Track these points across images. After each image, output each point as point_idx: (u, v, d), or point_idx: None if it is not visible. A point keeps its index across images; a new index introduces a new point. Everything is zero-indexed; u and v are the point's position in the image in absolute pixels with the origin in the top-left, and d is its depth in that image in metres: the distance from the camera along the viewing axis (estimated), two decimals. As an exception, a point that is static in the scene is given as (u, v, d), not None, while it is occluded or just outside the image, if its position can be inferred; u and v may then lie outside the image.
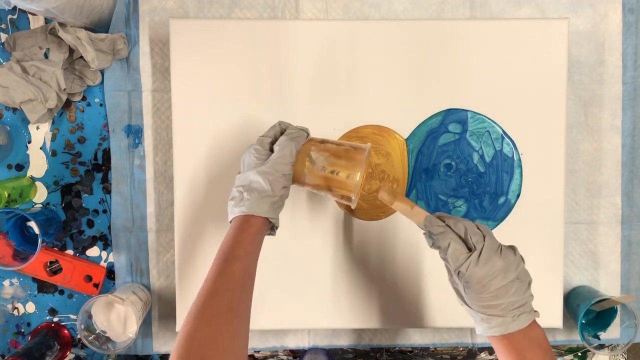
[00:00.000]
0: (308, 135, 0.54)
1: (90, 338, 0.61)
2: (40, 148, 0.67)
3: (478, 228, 0.46)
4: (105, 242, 0.68)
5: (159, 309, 0.68)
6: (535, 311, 0.45)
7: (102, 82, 0.66)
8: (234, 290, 0.44)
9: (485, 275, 0.43)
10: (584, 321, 0.68)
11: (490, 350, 0.71)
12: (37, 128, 0.67)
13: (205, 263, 0.63)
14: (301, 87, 0.63)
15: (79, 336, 0.67)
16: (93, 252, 0.68)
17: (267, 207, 0.49)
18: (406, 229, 0.64)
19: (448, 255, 0.45)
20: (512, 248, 0.46)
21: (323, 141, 0.53)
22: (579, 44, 0.67)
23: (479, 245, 0.45)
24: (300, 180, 0.53)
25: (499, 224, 0.64)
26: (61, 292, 0.68)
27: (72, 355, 0.69)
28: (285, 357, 0.71)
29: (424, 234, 0.49)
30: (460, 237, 0.46)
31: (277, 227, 0.53)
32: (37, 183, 0.67)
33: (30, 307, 0.68)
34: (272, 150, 0.52)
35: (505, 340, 0.44)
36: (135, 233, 0.67)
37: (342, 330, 0.69)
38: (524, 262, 0.46)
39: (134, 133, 0.67)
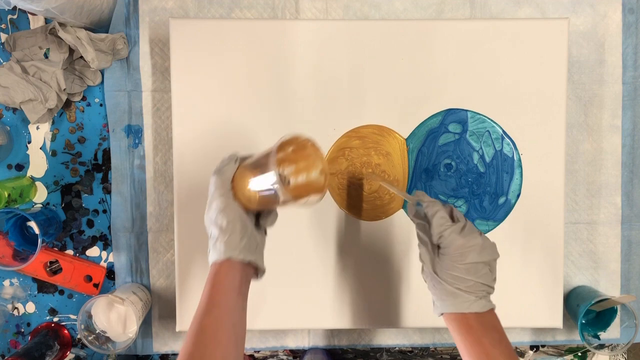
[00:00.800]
0: (237, 159, 0.50)
1: (90, 338, 0.61)
2: (40, 148, 0.67)
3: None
4: (105, 242, 0.68)
5: (159, 309, 0.68)
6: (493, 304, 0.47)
7: (102, 82, 0.66)
8: (205, 347, 0.41)
9: (464, 245, 0.45)
10: (584, 321, 0.68)
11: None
12: (37, 128, 0.67)
13: (205, 263, 0.63)
14: (301, 87, 0.63)
15: (79, 336, 0.67)
16: (93, 252, 0.68)
17: (224, 248, 0.45)
18: (407, 229, 0.64)
19: (434, 220, 0.47)
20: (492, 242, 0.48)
21: (255, 162, 0.48)
22: (579, 44, 0.67)
23: (462, 220, 0.47)
24: (255, 204, 0.47)
25: (499, 224, 0.64)
26: (61, 292, 0.68)
27: (72, 355, 0.69)
28: (285, 357, 0.71)
29: (409, 205, 0.51)
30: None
31: (262, 271, 0.49)
32: (37, 183, 0.67)
33: (30, 307, 0.68)
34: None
35: (463, 320, 0.45)
36: (135, 233, 0.67)
37: (342, 330, 0.69)
38: (497, 257, 0.48)
39: (134, 133, 0.67)
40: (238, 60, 0.62)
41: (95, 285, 0.67)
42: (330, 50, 0.62)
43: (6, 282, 0.67)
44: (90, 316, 0.62)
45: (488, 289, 0.46)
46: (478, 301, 0.45)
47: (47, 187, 0.67)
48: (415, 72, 0.63)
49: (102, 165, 0.67)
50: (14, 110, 0.66)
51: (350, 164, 0.63)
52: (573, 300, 0.66)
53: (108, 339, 0.63)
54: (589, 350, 0.69)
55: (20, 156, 0.67)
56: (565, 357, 0.72)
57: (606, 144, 0.68)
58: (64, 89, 0.63)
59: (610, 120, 0.68)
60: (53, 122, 0.67)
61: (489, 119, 0.63)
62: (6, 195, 0.61)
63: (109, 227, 0.67)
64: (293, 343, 0.69)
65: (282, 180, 0.43)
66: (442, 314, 0.48)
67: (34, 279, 0.67)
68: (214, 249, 0.47)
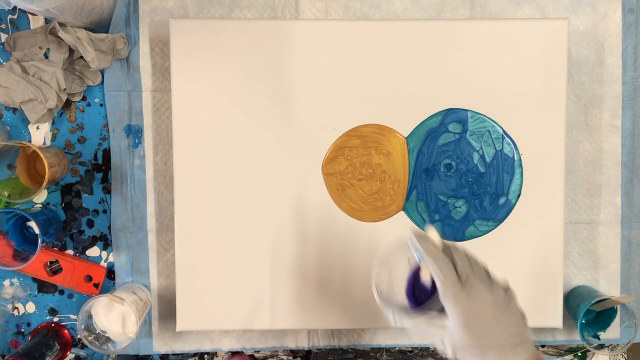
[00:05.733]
0: None
1: (90, 338, 0.61)
2: (40, 148, 0.67)
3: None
4: (105, 242, 0.68)
5: (159, 309, 0.68)
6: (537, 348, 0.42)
7: (102, 82, 0.66)
8: None
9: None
10: (584, 321, 0.68)
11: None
12: (37, 128, 0.67)
13: (205, 263, 0.63)
14: (301, 87, 0.63)
15: (79, 336, 0.67)
16: (93, 252, 0.68)
17: None
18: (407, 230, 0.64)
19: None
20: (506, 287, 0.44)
21: None
22: (579, 44, 0.67)
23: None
24: None
25: (499, 224, 0.64)
26: (61, 292, 0.68)
27: (72, 355, 0.69)
28: (285, 357, 0.71)
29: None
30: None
31: None
32: (37, 183, 0.67)
33: (30, 307, 0.68)
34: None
35: None
36: (135, 233, 0.67)
37: (342, 330, 0.69)
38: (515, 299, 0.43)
39: (134, 133, 0.67)
40: (238, 60, 0.62)
41: (95, 285, 0.67)
42: (330, 50, 0.62)
43: (6, 282, 0.67)
44: (90, 316, 0.62)
45: (520, 334, 0.41)
46: (514, 349, 0.40)
47: (47, 187, 0.67)
48: (415, 72, 0.63)
49: (102, 165, 0.67)
50: (14, 110, 0.66)
51: (350, 163, 0.63)
52: (573, 300, 0.66)
53: (108, 339, 0.63)
54: (589, 350, 0.69)
55: (20, 156, 0.67)
56: (565, 357, 0.72)
57: (606, 144, 0.68)
58: (64, 89, 0.63)
59: (610, 120, 0.68)
60: (53, 122, 0.67)
61: (489, 118, 0.63)
62: (6, 195, 0.61)
63: (109, 227, 0.67)
64: (293, 343, 0.69)
65: None
66: None
67: (34, 279, 0.67)
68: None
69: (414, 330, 0.44)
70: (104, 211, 0.68)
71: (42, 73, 0.62)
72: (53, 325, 0.68)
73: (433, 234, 0.44)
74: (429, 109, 0.63)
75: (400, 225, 0.64)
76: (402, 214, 0.64)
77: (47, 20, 0.65)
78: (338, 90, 0.63)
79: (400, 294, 0.45)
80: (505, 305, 0.42)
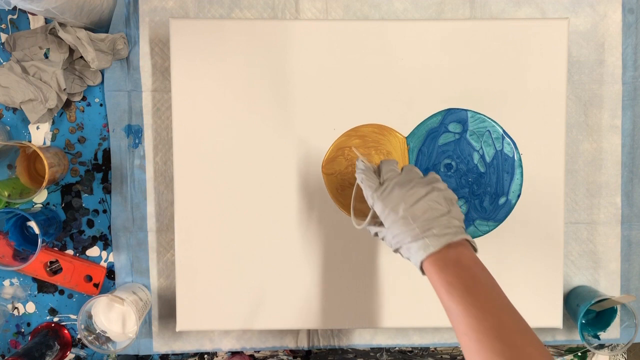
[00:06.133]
0: None
1: (90, 338, 0.61)
2: (40, 148, 0.67)
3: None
4: (105, 242, 0.68)
5: (159, 309, 0.68)
6: (465, 234, 0.45)
7: (102, 82, 0.66)
8: None
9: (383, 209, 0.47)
10: (584, 321, 0.68)
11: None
12: (37, 128, 0.67)
13: (205, 263, 0.63)
14: (301, 87, 0.63)
15: (79, 336, 0.67)
16: (93, 252, 0.68)
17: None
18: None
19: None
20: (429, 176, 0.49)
21: None
22: (579, 44, 0.67)
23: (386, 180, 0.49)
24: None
25: (499, 224, 0.64)
26: (61, 292, 0.68)
27: (72, 355, 0.69)
28: (285, 357, 0.71)
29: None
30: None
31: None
32: (37, 183, 0.67)
33: (30, 307, 0.68)
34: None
35: (433, 265, 0.43)
36: (135, 233, 0.67)
37: (342, 330, 0.69)
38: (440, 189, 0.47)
39: (134, 133, 0.67)
40: (238, 60, 0.62)
41: (95, 285, 0.67)
42: (330, 50, 0.62)
43: (6, 282, 0.67)
44: (90, 316, 0.62)
45: (442, 222, 0.44)
46: (420, 242, 0.44)
47: (47, 187, 0.67)
48: (415, 72, 0.63)
49: (102, 165, 0.67)
50: (14, 110, 0.66)
51: (350, 163, 0.63)
52: (573, 300, 0.66)
53: (108, 339, 0.63)
54: (589, 350, 0.69)
55: (20, 156, 0.67)
56: (565, 357, 0.72)
57: (606, 144, 0.68)
58: (64, 89, 0.63)
59: (610, 120, 0.68)
60: (53, 122, 0.67)
61: (489, 118, 0.63)
62: (6, 195, 0.61)
63: (109, 227, 0.67)
64: (293, 343, 0.69)
65: None
66: (423, 272, 0.46)
67: (34, 279, 0.67)
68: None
69: (371, 230, 0.51)
70: (104, 211, 0.68)
71: (42, 73, 0.62)
72: (53, 325, 0.68)
73: (362, 158, 0.54)
74: (429, 109, 0.63)
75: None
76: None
77: (47, 20, 0.65)
78: (338, 90, 0.63)
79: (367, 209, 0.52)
80: (415, 199, 0.46)
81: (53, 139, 0.67)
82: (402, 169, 0.51)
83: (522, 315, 0.42)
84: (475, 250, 0.46)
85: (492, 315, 0.40)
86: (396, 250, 0.48)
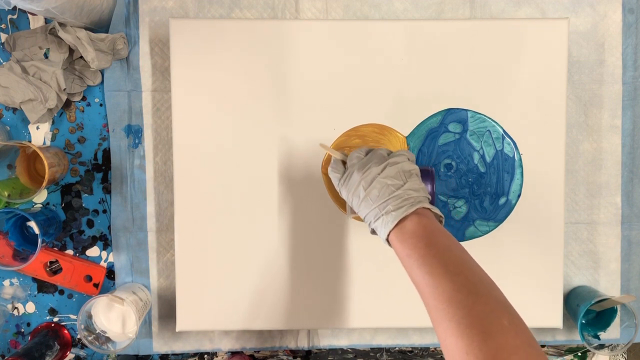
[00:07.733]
0: None
1: (90, 338, 0.61)
2: (40, 148, 0.67)
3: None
4: (105, 242, 0.68)
5: (159, 309, 0.68)
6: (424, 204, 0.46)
7: (102, 82, 0.66)
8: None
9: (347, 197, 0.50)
10: (584, 321, 0.68)
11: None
12: (37, 128, 0.67)
13: (205, 263, 0.63)
14: (301, 87, 0.63)
15: (79, 336, 0.67)
16: (93, 252, 0.68)
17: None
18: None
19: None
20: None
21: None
22: (579, 44, 0.67)
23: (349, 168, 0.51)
24: None
25: (499, 224, 0.64)
26: (61, 292, 0.68)
27: (72, 355, 0.69)
28: (285, 357, 0.71)
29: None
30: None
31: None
32: (37, 183, 0.67)
33: (30, 307, 0.68)
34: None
35: (394, 240, 0.45)
36: (135, 233, 0.67)
37: (342, 330, 0.69)
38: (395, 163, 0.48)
39: (134, 133, 0.67)
40: (238, 60, 0.62)
41: (95, 285, 0.67)
42: (330, 50, 0.62)
43: (6, 282, 0.67)
44: (90, 316, 0.62)
45: (394, 197, 0.46)
46: (385, 217, 0.45)
47: (47, 187, 0.67)
48: (415, 72, 0.63)
49: (102, 165, 0.67)
50: (14, 110, 0.66)
51: None
52: (573, 300, 0.66)
53: (108, 339, 0.63)
54: (589, 350, 0.69)
55: (20, 156, 0.67)
56: (565, 357, 0.72)
57: (606, 144, 0.68)
58: (64, 89, 0.63)
59: (610, 120, 0.68)
60: (53, 122, 0.67)
61: (489, 118, 0.63)
62: (6, 195, 0.61)
63: (109, 227, 0.67)
64: (293, 343, 0.69)
65: None
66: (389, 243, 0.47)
67: (34, 279, 0.67)
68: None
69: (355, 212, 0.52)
70: (104, 211, 0.68)
71: (42, 73, 0.62)
72: (53, 325, 0.68)
73: (333, 151, 0.55)
74: (429, 108, 0.63)
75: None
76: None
77: (47, 20, 0.65)
78: (338, 90, 0.63)
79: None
80: (371, 178, 0.48)
81: (53, 139, 0.67)
82: (366, 154, 0.53)
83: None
84: (440, 216, 0.47)
85: (448, 280, 0.39)
86: (372, 232, 0.49)
